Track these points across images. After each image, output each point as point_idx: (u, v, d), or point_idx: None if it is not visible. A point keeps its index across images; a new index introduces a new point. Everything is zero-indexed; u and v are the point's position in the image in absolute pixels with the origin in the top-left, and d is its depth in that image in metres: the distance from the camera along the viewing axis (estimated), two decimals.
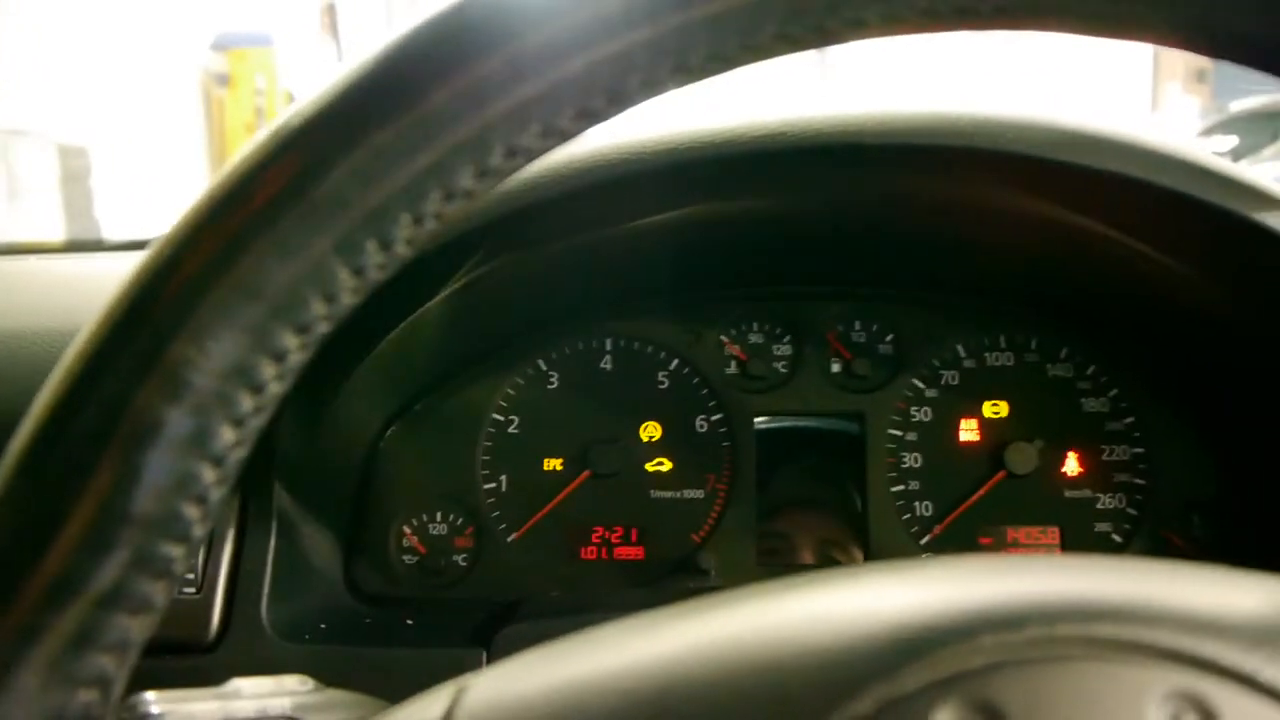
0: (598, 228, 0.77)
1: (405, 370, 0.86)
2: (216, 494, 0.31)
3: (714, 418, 0.92)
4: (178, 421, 0.30)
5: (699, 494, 0.91)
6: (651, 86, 0.33)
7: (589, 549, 0.90)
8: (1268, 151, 7.01)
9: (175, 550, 0.30)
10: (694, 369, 0.92)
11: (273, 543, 0.75)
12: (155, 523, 0.29)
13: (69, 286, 0.91)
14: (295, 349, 0.32)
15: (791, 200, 0.81)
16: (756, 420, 0.92)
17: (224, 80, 6.69)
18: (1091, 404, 0.90)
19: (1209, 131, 7.79)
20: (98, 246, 1.25)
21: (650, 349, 0.92)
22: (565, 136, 0.34)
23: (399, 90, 0.31)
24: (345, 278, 0.32)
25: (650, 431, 0.92)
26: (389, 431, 0.90)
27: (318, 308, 0.32)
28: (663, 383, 0.92)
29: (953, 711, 0.27)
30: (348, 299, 0.32)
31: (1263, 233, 0.65)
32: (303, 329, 0.31)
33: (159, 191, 5.75)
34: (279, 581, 0.75)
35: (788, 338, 0.93)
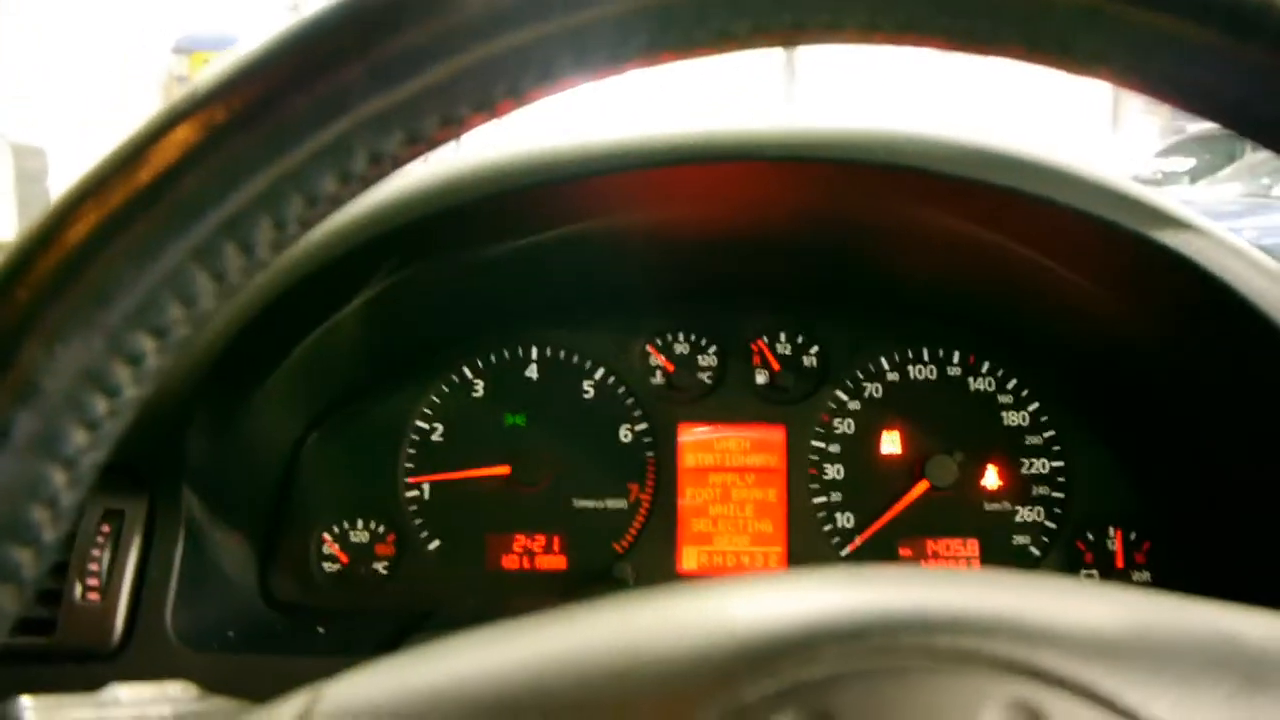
0: (513, 237, 0.77)
1: (324, 377, 0.85)
2: (69, 497, 0.31)
3: (638, 428, 0.92)
4: (26, 424, 0.29)
5: (622, 504, 0.91)
6: (516, 95, 0.33)
7: (511, 558, 0.90)
8: (1224, 173, 7.11)
9: (23, 554, 0.30)
10: (619, 379, 0.92)
11: (180, 549, 0.74)
12: (2, 526, 0.29)
13: None
14: (153, 352, 0.31)
15: (713, 213, 0.81)
16: (680, 430, 0.92)
17: (186, 83, 6.66)
18: (1012, 418, 0.91)
19: (1166, 153, 7.88)
20: None
21: (576, 358, 0.92)
22: (431, 144, 0.34)
23: (257, 96, 0.31)
24: (204, 282, 0.31)
25: (574, 440, 0.91)
26: (309, 438, 0.89)
27: (175, 312, 0.31)
28: (588, 392, 0.92)
29: None
30: (208, 303, 0.32)
31: (1163, 251, 0.66)
32: (160, 333, 0.31)
33: None
34: (186, 588, 0.74)
35: (713, 348, 0.93)
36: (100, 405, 0.30)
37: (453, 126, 0.33)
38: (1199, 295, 0.67)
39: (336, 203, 0.33)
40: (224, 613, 0.77)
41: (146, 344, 0.31)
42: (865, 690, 0.28)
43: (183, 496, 0.74)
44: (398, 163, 0.33)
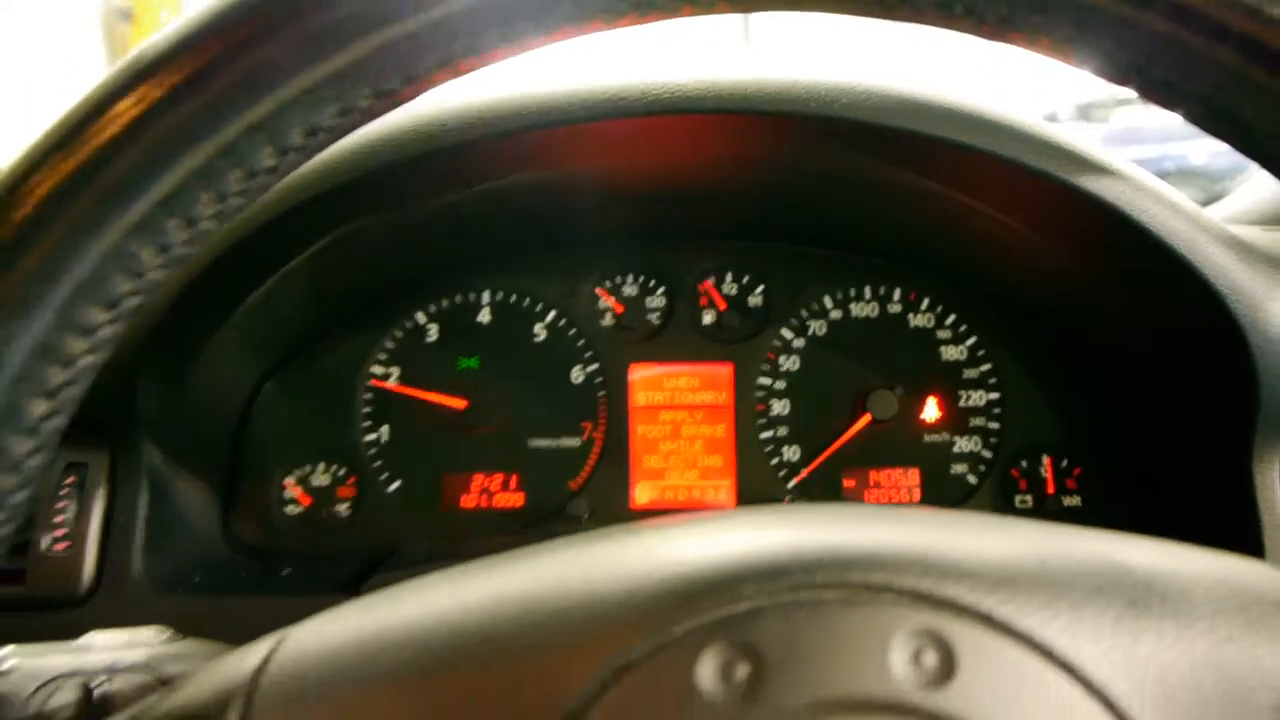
0: (461, 187, 0.78)
1: (277, 326, 0.86)
2: (33, 462, 0.32)
3: (590, 368, 0.94)
4: None
5: (575, 442, 0.93)
6: (445, 67, 0.34)
7: (469, 497, 0.93)
8: None
9: None
10: (570, 321, 0.94)
11: (144, 498, 0.75)
12: None
13: None
14: (105, 323, 0.33)
15: (656, 162, 0.83)
16: (631, 370, 0.94)
17: (127, 15, 6.43)
18: (950, 352, 0.94)
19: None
20: None
21: (527, 302, 0.94)
22: (367, 115, 0.35)
23: (187, 73, 0.32)
24: (149, 255, 0.33)
25: (528, 382, 0.94)
26: (265, 386, 0.90)
27: (123, 285, 0.33)
28: (539, 334, 0.94)
29: (716, 654, 0.30)
30: (155, 274, 0.33)
31: (1083, 195, 0.69)
32: (111, 304, 0.33)
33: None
34: (152, 535, 0.76)
35: (661, 290, 0.95)
36: (57, 375, 0.32)
37: (385, 99, 0.34)
38: (1118, 236, 0.70)
39: (275, 173, 0.34)
40: (189, 557, 0.79)
41: (98, 316, 0.32)
42: (784, 622, 0.30)
43: (143, 447, 0.76)
44: (334, 135, 0.35)
